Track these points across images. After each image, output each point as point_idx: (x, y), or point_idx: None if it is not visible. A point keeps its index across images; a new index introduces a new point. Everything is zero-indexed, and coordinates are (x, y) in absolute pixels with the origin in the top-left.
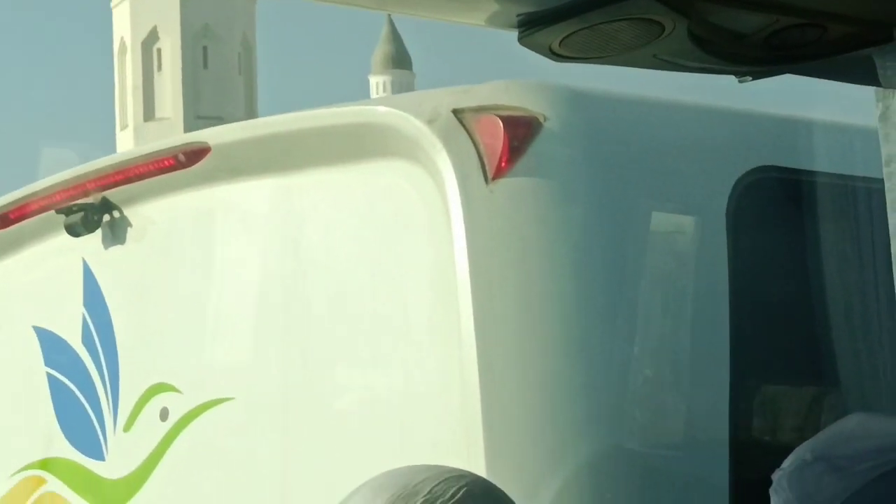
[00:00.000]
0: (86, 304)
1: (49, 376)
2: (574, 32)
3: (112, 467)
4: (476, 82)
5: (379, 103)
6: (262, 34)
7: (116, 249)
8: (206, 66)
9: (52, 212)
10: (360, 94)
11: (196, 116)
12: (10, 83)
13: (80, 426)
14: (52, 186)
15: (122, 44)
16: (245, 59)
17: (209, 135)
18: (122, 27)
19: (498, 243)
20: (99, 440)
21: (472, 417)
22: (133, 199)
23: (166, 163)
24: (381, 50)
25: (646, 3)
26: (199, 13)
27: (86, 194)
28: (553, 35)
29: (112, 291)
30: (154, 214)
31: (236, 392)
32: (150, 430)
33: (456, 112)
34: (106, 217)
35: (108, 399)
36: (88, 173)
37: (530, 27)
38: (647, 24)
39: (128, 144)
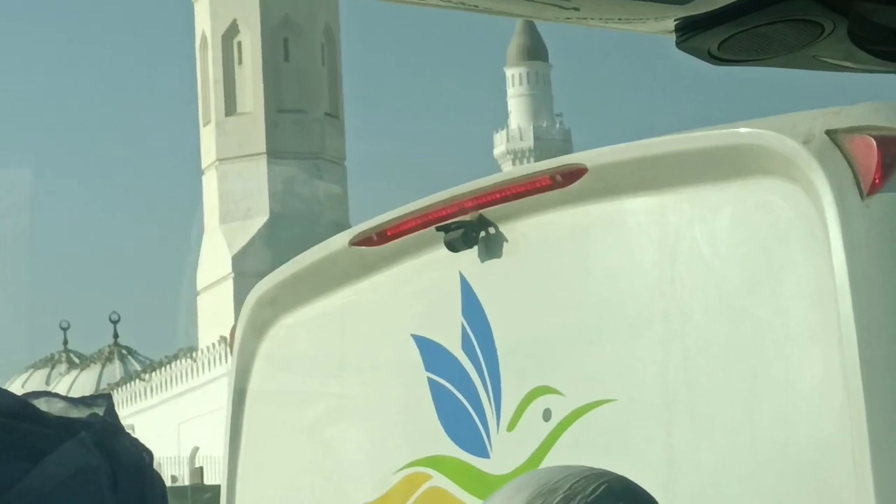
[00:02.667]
0: (464, 314)
1: (430, 381)
2: (732, 35)
3: (497, 464)
4: (611, 76)
5: (752, 126)
6: (346, 26)
7: (493, 263)
8: (287, 58)
9: (432, 228)
10: (496, 86)
11: (277, 110)
12: (92, 77)
13: (464, 426)
14: (430, 206)
15: (203, 38)
16: (328, 50)
17: (586, 157)
18: (203, 21)
19: (875, 253)
20: (483, 439)
21: (857, 417)
22: (509, 217)
23: (543, 182)
24: (516, 41)
25: (804, 4)
26: (279, 4)
27: (464, 212)
28: (711, 39)
29: (490, 301)
30: (529, 231)
31: (618, 394)
32: (533, 429)
33: (830, 133)
34: (483, 233)
35: (490, 401)
36: (467, 193)
37: (688, 31)
38: (807, 26)
39: (210, 140)
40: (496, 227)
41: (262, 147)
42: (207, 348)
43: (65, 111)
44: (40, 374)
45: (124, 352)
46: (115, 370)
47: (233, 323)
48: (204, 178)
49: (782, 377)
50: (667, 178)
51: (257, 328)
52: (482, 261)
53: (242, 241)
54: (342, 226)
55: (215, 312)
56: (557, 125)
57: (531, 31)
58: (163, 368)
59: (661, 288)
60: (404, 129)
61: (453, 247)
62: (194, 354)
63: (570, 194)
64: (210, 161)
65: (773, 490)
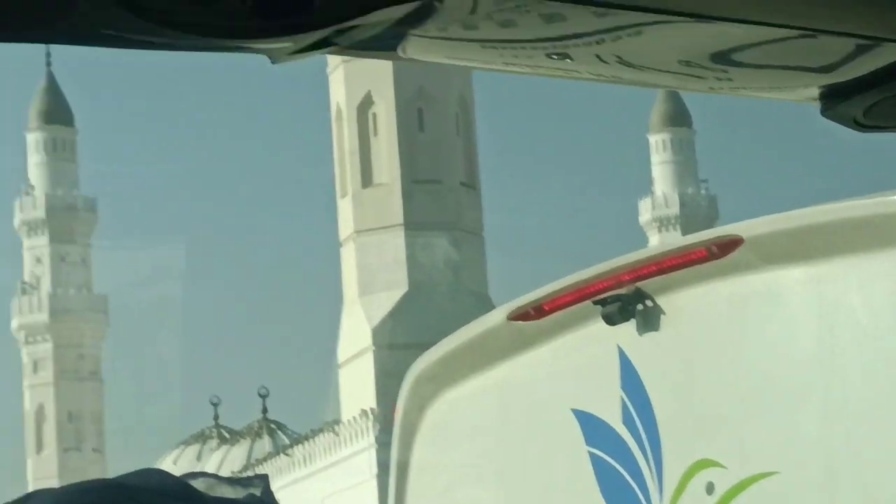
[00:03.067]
0: (623, 387)
1: (591, 455)
2: (878, 102)
3: None
4: (756, 142)
5: None
6: (481, 95)
7: (651, 336)
8: (421, 128)
9: (589, 302)
10: (640, 153)
11: (413, 181)
12: (231, 155)
13: (626, 501)
14: (586, 279)
15: (339, 109)
16: (463, 119)
17: (742, 227)
18: (338, 93)
19: None
20: None
21: None
22: (665, 289)
23: (699, 254)
24: (658, 108)
25: None
26: (413, 75)
27: (620, 285)
28: (857, 106)
29: (649, 374)
30: (686, 303)
31: (780, 466)
32: (696, 503)
33: None
34: (640, 306)
35: (652, 475)
36: (622, 266)
37: (833, 99)
38: None
39: (347, 212)
40: (653, 300)
41: (399, 219)
42: (349, 422)
43: (208, 188)
44: (192, 451)
45: (273, 426)
46: (265, 444)
47: (373, 396)
48: (342, 250)
49: None
50: (823, 248)
51: (417, 404)
52: (640, 334)
53: (381, 313)
54: (481, 297)
55: (356, 385)
56: (703, 191)
57: (674, 97)
58: (306, 442)
59: (820, 358)
60: (543, 198)
61: (611, 320)
62: (336, 428)
63: (727, 266)
64: (348, 233)
65: None
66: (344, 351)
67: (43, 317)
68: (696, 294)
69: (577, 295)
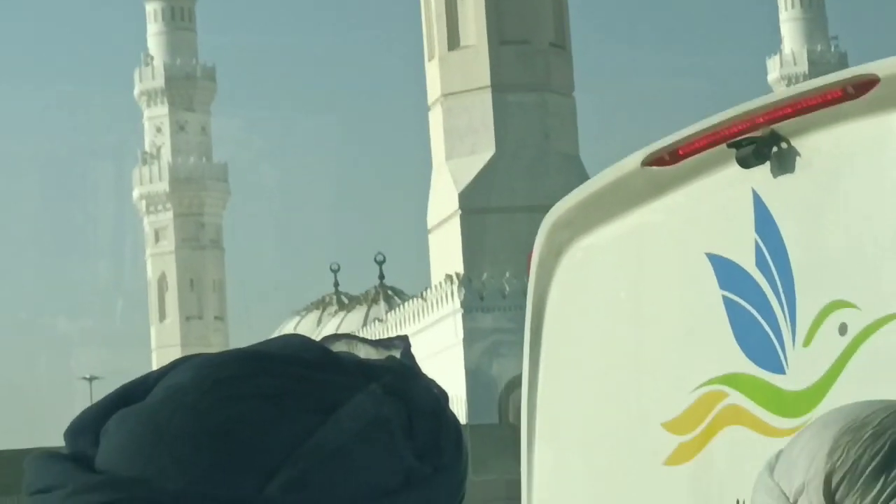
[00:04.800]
0: (758, 231)
1: (725, 299)
2: None
3: (793, 380)
4: None
5: None
6: None
7: (785, 178)
8: None
9: (723, 146)
10: (769, 10)
11: (500, 42)
12: (330, 22)
13: (759, 343)
14: (721, 123)
15: None
16: None
17: (878, 66)
18: None
19: None
20: (778, 355)
21: None
22: (801, 131)
23: (834, 95)
24: None
25: None
26: None
27: (754, 128)
28: None
29: (783, 217)
30: (822, 144)
31: None
32: (829, 344)
33: None
34: (774, 149)
35: (785, 317)
36: (757, 108)
37: None
38: None
39: (435, 75)
40: (788, 142)
41: (487, 81)
42: (436, 287)
43: (316, 61)
44: (312, 317)
45: (390, 292)
46: (381, 309)
47: (460, 261)
48: (430, 113)
49: None
50: None
51: (554, 251)
52: (774, 176)
53: (468, 177)
54: (572, 159)
55: (445, 250)
56: (833, 48)
57: None
58: (397, 308)
59: None
60: (652, 58)
61: (745, 163)
62: (424, 293)
63: (863, 105)
64: (435, 97)
65: None
66: (433, 216)
67: (164, 186)
68: (833, 135)
69: (711, 139)
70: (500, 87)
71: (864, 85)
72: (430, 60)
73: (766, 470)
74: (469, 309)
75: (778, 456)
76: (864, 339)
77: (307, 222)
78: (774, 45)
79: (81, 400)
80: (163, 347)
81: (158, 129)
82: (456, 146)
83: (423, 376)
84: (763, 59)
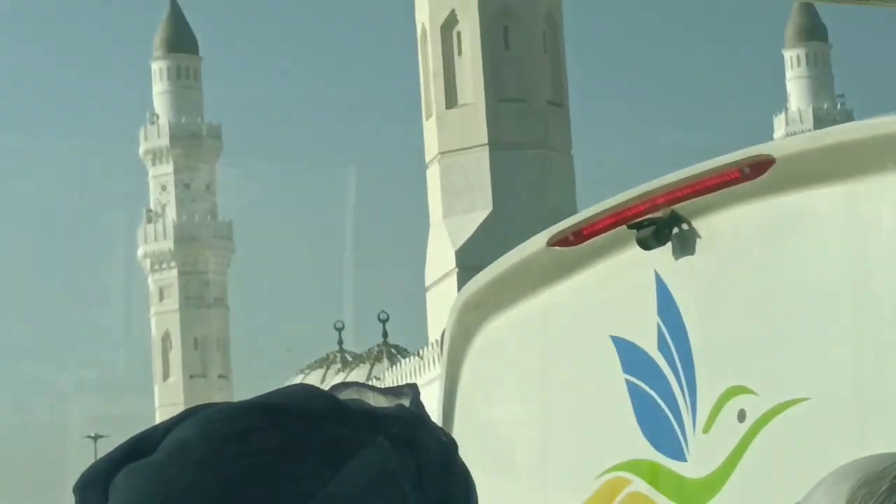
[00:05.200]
0: (660, 313)
1: (628, 383)
2: None
3: (694, 467)
4: (894, 53)
5: None
6: (570, 10)
7: (686, 260)
8: (507, 47)
9: (624, 227)
10: (775, 69)
11: (498, 100)
12: (313, 76)
13: (661, 429)
14: (622, 203)
15: (423, 30)
16: (550, 36)
17: (773, 147)
18: (422, 13)
19: None
20: (680, 441)
21: None
22: (701, 212)
23: (732, 175)
24: (793, 21)
25: None
26: None
27: (655, 209)
28: None
29: (684, 300)
30: (722, 225)
31: (810, 392)
32: (728, 430)
33: None
34: (675, 230)
35: (686, 402)
36: (657, 189)
37: None
38: None
39: (432, 133)
40: (689, 223)
41: (484, 139)
42: (431, 345)
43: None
44: (316, 375)
45: (393, 350)
46: (384, 367)
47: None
48: (428, 171)
49: None
50: (856, 167)
51: (464, 332)
52: (676, 258)
53: (465, 235)
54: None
55: (442, 308)
56: (839, 106)
57: (809, 10)
58: (393, 367)
59: (852, 281)
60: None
61: (646, 244)
62: (421, 352)
63: (760, 186)
64: (433, 154)
65: None
66: (430, 273)
67: (168, 244)
68: (732, 216)
69: (613, 219)
70: (497, 145)
71: (760, 165)
72: (427, 119)
73: None
74: None
75: None
76: (763, 426)
77: (311, 280)
78: (781, 102)
79: (87, 458)
80: (166, 406)
81: (163, 188)
82: (453, 204)
83: (432, 424)
84: (770, 116)
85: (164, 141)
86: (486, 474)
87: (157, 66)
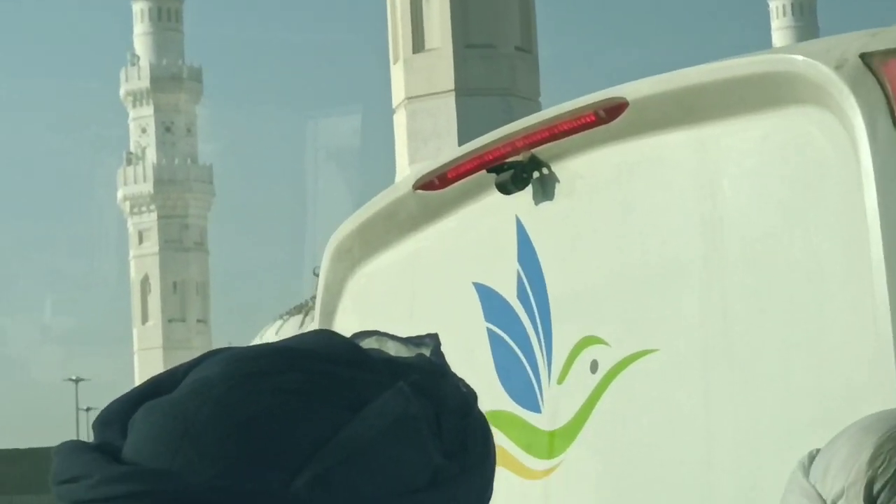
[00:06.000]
0: (520, 260)
1: (489, 331)
2: None
3: (547, 419)
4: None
5: (788, 51)
6: None
7: (546, 206)
8: None
9: (484, 171)
10: (759, 19)
11: (465, 45)
12: (295, 18)
13: (518, 379)
14: (483, 146)
15: None
16: None
17: (626, 89)
18: None
19: None
20: (535, 393)
21: (886, 362)
22: (559, 156)
23: (588, 119)
24: None
25: None
26: None
27: (515, 152)
28: None
29: (543, 247)
30: (580, 169)
31: (660, 343)
32: (581, 382)
33: (864, 56)
34: (536, 174)
35: (542, 353)
36: (516, 131)
37: None
38: None
39: (399, 78)
40: (549, 167)
41: (451, 84)
42: None
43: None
44: (294, 321)
45: None
46: None
47: None
48: (395, 117)
49: (815, 322)
50: (706, 110)
51: (338, 278)
52: (536, 203)
53: None
54: None
55: None
56: None
57: None
58: None
59: (701, 228)
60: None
61: (505, 189)
62: None
63: (614, 130)
64: (399, 100)
65: (807, 440)
66: None
67: (148, 187)
68: (588, 160)
69: (475, 163)
70: (464, 90)
71: (615, 109)
72: (394, 63)
73: (799, 471)
74: None
75: (811, 458)
76: (614, 377)
77: (290, 225)
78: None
79: (68, 401)
80: (145, 350)
81: (144, 130)
82: (419, 150)
83: (452, 375)
84: None
85: (145, 83)
86: None
87: (139, 8)
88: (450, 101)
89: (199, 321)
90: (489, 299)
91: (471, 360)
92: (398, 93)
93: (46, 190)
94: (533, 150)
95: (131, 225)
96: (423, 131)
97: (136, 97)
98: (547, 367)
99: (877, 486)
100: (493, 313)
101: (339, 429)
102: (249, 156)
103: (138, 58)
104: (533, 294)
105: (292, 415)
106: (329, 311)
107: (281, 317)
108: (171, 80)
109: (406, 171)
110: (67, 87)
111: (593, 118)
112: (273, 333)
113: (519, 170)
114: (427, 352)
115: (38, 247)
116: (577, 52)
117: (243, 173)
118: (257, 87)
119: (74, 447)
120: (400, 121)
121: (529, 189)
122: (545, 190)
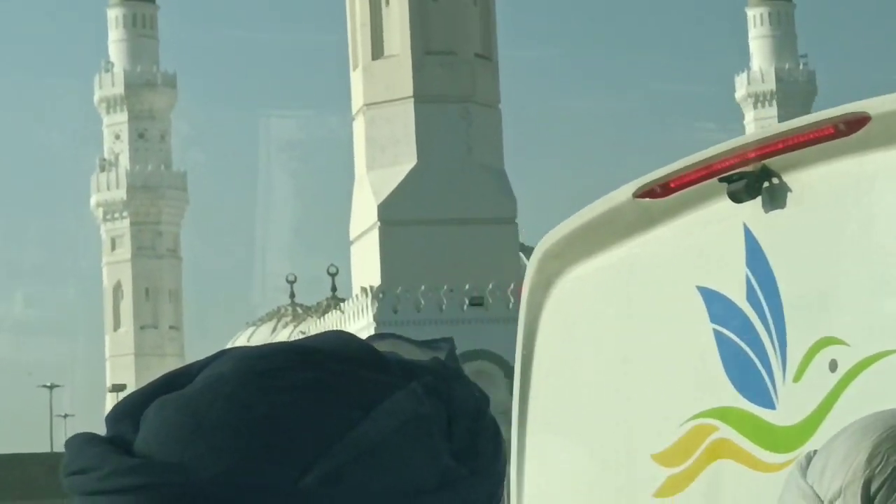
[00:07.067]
0: (749, 265)
1: (716, 332)
2: None
3: (783, 415)
4: (858, 15)
5: None
6: None
7: (777, 213)
8: None
9: (715, 180)
10: (737, 28)
11: (425, 52)
12: (274, 21)
13: (750, 377)
14: (713, 157)
15: None
16: None
17: (870, 105)
18: None
19: None
20: (769, 390)
21: None
22: (792, 167)
23: (826, 132)
24: None
25: None
26: None
27: (746, 163)
28: None
29: (774, 252)
30: (813, 180)
31: None
32: (819, 380)
33: None
34: (766, 184)
35: (776, 352)
36: (749, 143)
37: None
38: None
39: (358, 84)
40: (779, 178)
41: (410, 91)
42: (352, 300)
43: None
44: (266, 327)
45: (342, 304)
46: (333, 319)
47: (378, 273)
48: (354, 123)
49: None
50: None
51: (544, 281)
52: (766, 211)
53: (389, 188)
54: (496, 173)
55: (366, 262)
56: (801, 66)
57: None
58: (319, 320)
59: None
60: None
61: (737, 198)
62: (341, 306)
63: (854, 143)
64: (359, 106)
65: None
66: (354, 227)
67: (121, 194)
68: (824, 172)
69: (703, 172)
70: (423, 97)
71: (856, 122)
72: (354, 69)
73: (797, 471)
74: (382, 322)
75: (809, 458)
76: (855, 376)
77: (265, 232)
78: (743, 61)
79: (42, 408)
80: (117, 356)
81: (117, 136)
82: (377, 157)
83: (466, 378)
84: (731, 75)
85: (119, 89)
86: (566, 422)
87: (114, 14)
88: (408, 108)
89: (171, 328)
90: (715, 302)
91: (695, 361)
92: (357, 99)
93: (18, 193)
94: (765, 161)
95: (104, 231)
96: (381, 138)
97: (110, 103)
98: (781, 366)
99: (874, 486)
100: (719, 316)
101: (350, 427)
102: (225, 162)
103: (112, 64)
104: (764, 297)
105: (304, 412)
106: (534, 313)
107: (253, 323)
108: (144, 86)
109: (364, 178)
110: (42, 94)
111: (832, 131)
112: (245, 340)
113: (751, 179)
114: (442, 355)
115: (7, 245)
116: (540, 59)
117: (218, 179)
118: (234, 93)
119: (86, 439)
120: (359, 127)
121: (758, 199)
122: (775, 199)
